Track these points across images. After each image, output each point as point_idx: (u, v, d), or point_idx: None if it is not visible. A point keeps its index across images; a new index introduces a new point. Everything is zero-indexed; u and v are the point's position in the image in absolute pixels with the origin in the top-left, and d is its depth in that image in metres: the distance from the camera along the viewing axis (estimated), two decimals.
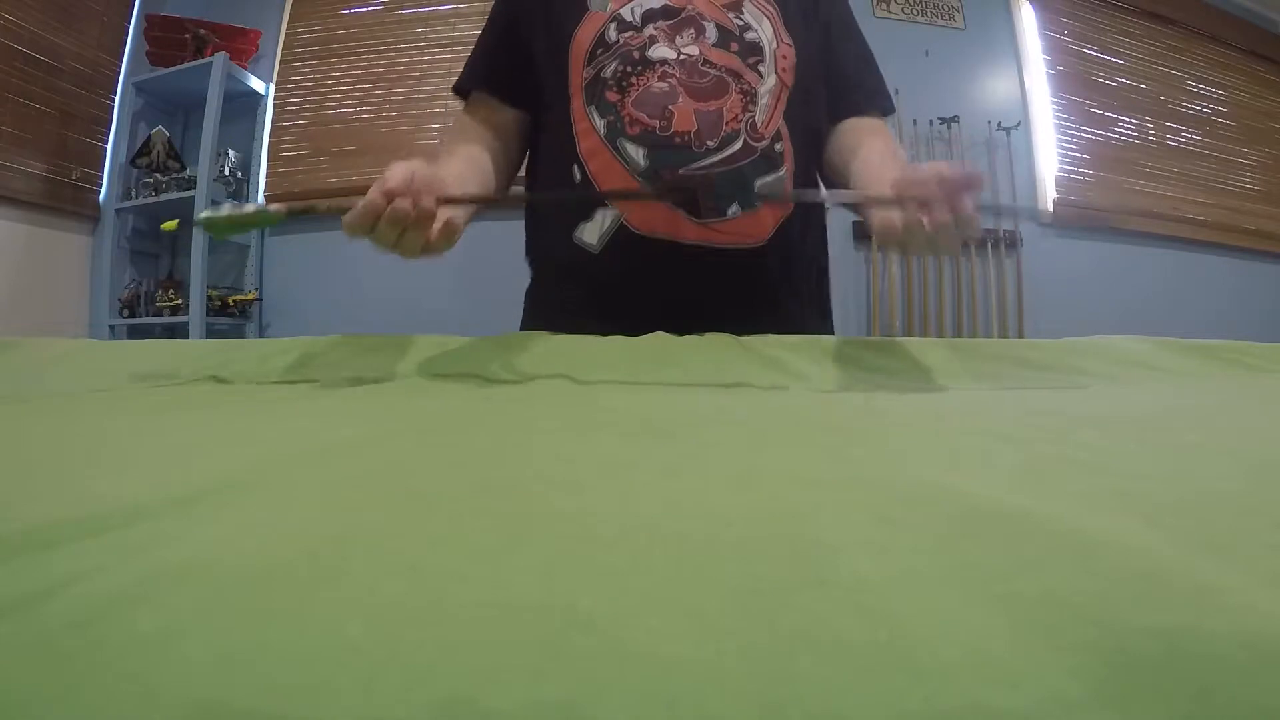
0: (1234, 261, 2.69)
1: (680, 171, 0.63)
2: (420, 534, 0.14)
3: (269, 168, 2.37)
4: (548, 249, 0.74)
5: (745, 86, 0.66)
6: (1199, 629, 0.10)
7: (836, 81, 0.74)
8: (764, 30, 0.68)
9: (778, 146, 0.67)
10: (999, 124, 2.42)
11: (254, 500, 0.17)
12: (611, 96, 0.65)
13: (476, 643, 0.10)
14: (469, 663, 0.09)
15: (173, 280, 2.35)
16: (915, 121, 2.49)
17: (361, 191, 0.43)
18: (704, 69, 0.65)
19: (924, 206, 0.43)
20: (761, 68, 0.67)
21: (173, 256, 2.44)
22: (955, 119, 2.37)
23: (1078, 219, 2.46)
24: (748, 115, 0.66)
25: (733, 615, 0.11)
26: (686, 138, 0.63)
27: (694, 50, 0.65)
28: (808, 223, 0.74)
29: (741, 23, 0.68)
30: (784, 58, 0.69)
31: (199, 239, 2.12)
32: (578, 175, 0.67)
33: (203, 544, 0.14)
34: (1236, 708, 0.09)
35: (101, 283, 2.25)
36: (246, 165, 2.35)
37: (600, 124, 0.66)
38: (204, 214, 0.46)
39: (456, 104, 0.75)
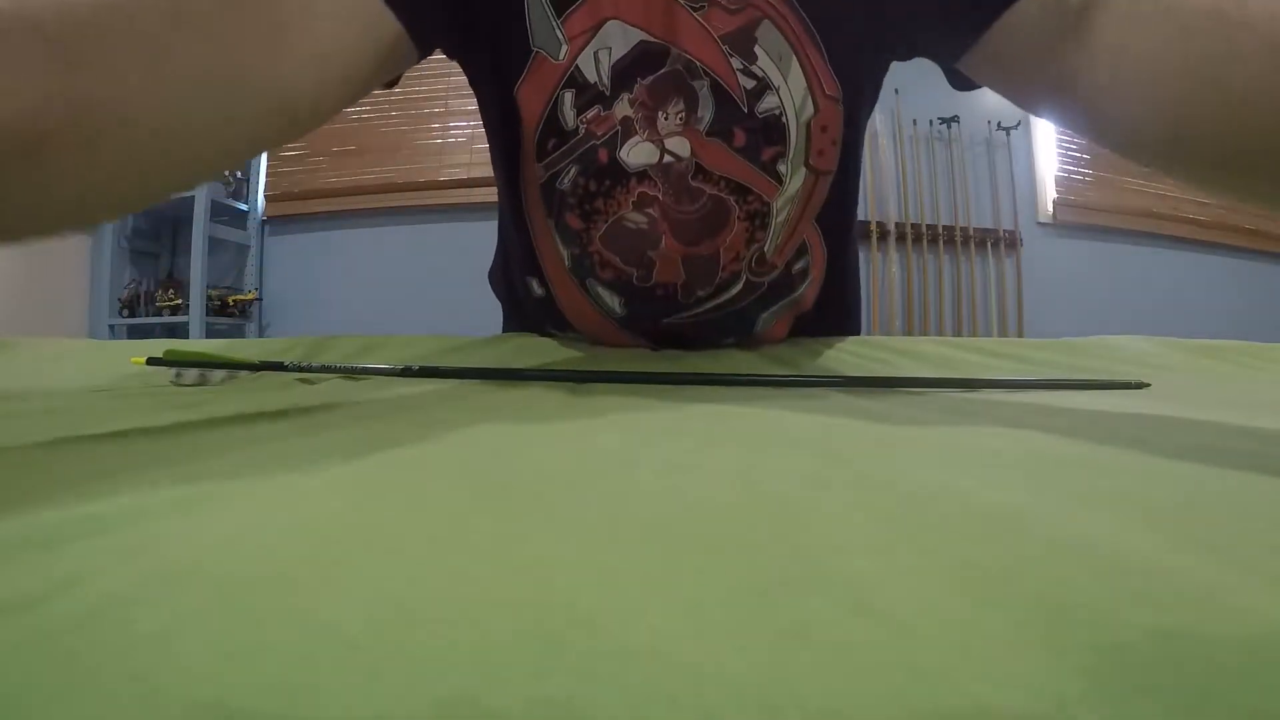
0: (1234, 261, 2.69)
1: (665, 321, 0.51)
2: (420, 533, 0.15)
3: (269, 167, 2.38)
4: (520, 314, 0.61)
5: (753, 205, 0.45)
6: (1199, 629, 0.10)
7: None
8: (791, 85, 0.43)
9: (797, 267, 0.51)
10: (999, 124, 2.42)
11: (254, 500, 0.17)
12: (574, 223, 0.47)
13: (477, 641, 0.10)
14: (469, 661, 0.09)
15: (173, 280, 2.36)
16: (915, 121, 2.50)
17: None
18: (696, 185, 0.45)
19: None
20: (783, 166, 0.45)
21: (173, 256, 2.45)
22: (955, 119, 2.37)
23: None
24: (754, 249, 0.47)
25: (733, 614, 0.11)
26: (671, 289, 0.48)
27: (682, 148, 0.44)
28: (840, 292, 0.60)
29: (755, 81, 0.43)
30: (823, 131, 0.45)
31: (199, 238, 2.12)
32: (540, 292, 0.53)
33: (203, 544, 0.14)
34: (1236, 709, 0.09)
35: (101, 283, 2.26)
36: (246, 165, 2.35)
37: (564, 254, 0.49)
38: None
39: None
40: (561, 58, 0.43)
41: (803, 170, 0.46)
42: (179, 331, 2.20)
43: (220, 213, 2.24)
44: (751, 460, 0.22)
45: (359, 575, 0.12)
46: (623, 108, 0.44)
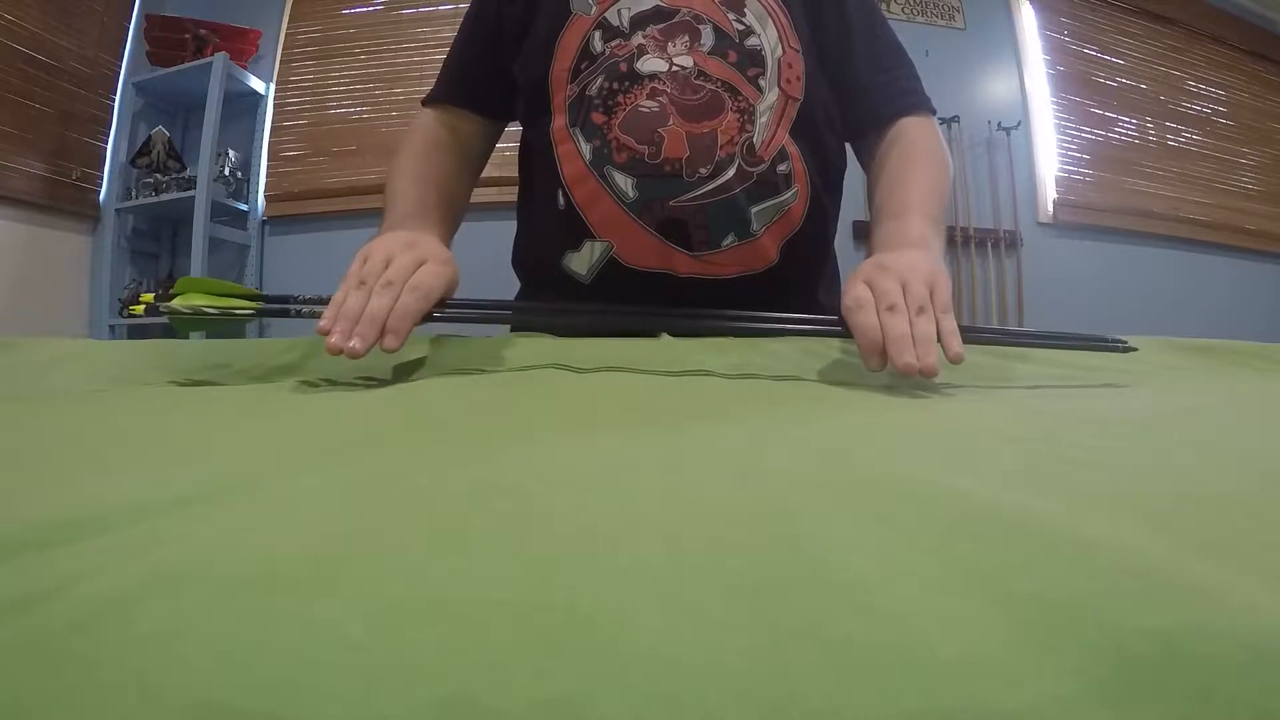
0: (1234, 261, 2.68)
1: (671, 203, 0.59)
2: (420, 533, 0.14)
3: (269, 168, 2.37)
4: (536, 264, 0.70)
5: (742, 104, 0.59)
6: (1199, 629, 0.10)
7: (852, 82, 0.66)
8: (767, 35, 0.61)
9: (781, 168, 0.61)
10: (999, 124, 2.42)
11: (254, 500, 0.17)
12: (598, 118, 0.60)
13: (477, 642, 0.10)
14: (469, 662, 0.09)
15: (173, 280, 2.35)
16: None
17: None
18: (698, 83, 0.59)
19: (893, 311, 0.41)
20: (762, 81, 0.60)
21: (173, 257, 2.44)
22: (955, 119, 2.36)
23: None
24: (744, 137, 0.59)
25: (733, 614, 0.11)
26: (677, 166, 0.58)
27: (687, 61, 0.59)
28: (823, 232, 0.69)
29: (742, 26, 0.61)
30: (789, 66, 0.62)
31: (199, 238, 2.12)
32: (561, 202, 0.62)
33: (203, 544, 0.14)
34: (1236, 708, 0.09)
35: (101, 283, 2.25)
36: (246, 165, 2.35)
37: (586, 149, 0.60)
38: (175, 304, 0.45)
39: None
40: (592, 14, 0.62)
41: (776, 89, 0.61)
42: (180, 332, 2.20)
43: (220, 213, 2.24)
44: (751, 460, 0.22)
45: (359, 575, 0.12)
46: (639, 39, 0.60)
